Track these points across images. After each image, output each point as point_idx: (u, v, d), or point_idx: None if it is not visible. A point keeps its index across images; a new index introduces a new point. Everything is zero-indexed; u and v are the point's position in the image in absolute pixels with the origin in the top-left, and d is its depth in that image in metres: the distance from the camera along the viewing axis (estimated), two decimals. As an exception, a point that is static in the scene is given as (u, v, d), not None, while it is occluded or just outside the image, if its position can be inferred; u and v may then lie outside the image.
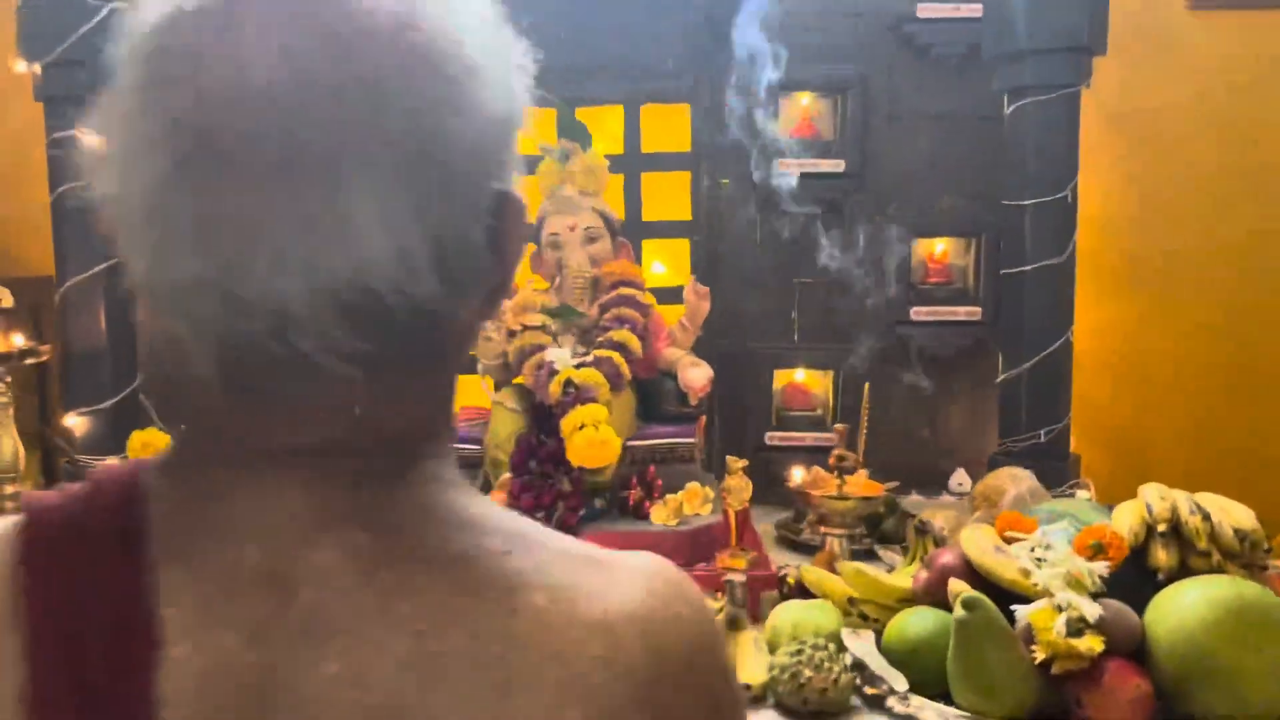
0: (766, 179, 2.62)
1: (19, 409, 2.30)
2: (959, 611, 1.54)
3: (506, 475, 2.04)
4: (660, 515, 2.03)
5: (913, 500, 2.68)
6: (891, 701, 1.58)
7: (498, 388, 2.18)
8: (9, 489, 2.27)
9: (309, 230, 0.49)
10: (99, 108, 0.54)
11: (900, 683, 1.59)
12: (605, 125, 2.72)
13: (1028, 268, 2.34)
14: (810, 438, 2.70)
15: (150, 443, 2.21)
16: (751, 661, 1.67)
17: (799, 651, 1.58)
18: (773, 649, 1.73)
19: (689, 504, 2.05)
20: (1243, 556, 1.65)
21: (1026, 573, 1.60)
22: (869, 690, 1.60)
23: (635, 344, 2.12)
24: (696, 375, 2.19)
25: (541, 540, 0.59)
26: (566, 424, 1.97)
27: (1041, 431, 2.38)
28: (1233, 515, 1.69)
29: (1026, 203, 2.33)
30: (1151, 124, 2.88)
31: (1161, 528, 1.63)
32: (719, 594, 2.00)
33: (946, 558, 1.73)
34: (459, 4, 0.55)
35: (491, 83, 0.55)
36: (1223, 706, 1.47)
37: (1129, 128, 2.85)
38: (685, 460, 2.15)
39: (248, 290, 0.49)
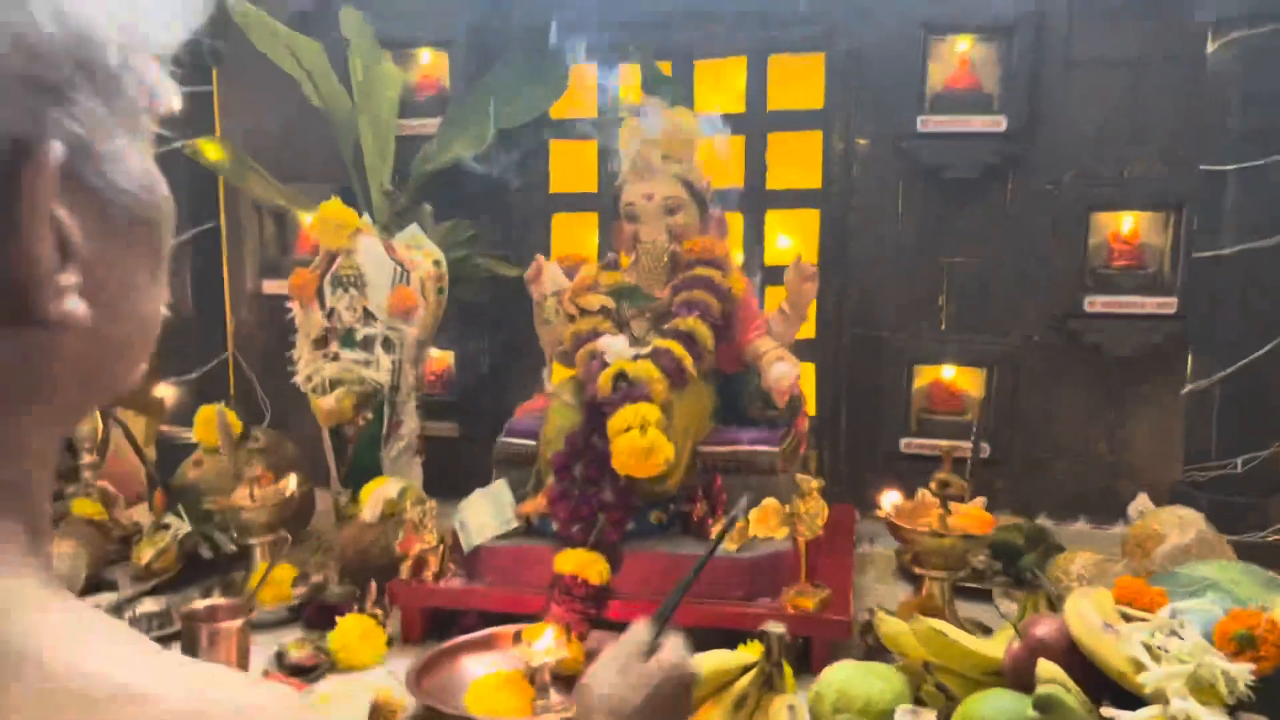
0: (912, 140, 2.22)
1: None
2: (1029, 711, 1.16)
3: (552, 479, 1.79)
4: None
5: (1077, 530, 2.23)
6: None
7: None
8: (87, 458, 2.25)
9: None
10: None
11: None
12: (727, 80, 2.39)
13: (1226, 251, 1.84)
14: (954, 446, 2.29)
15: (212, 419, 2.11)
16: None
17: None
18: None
19: (760, 526, 1.72)
20: None
21: (1139, 665, 1.19)
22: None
23: (704, 333, 1.81)
24: (781, 373, 1.85)
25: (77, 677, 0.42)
26: (613, 425, 1.70)
27: (1238, 460, 1.88)
28: None
29: (1228, 167, 1.83)
30: None
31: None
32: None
33: (1045, 628, 1.34)
34: None
35: None
36: None
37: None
38: (765, 472, 1.82)
39: None
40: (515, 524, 1.81)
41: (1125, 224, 2.19)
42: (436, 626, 1.79)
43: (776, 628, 1.44)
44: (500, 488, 1.88)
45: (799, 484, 1.66)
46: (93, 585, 1.97)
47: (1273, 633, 1.16)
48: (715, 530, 1.73)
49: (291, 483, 1.91)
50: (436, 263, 2.16)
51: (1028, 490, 2.29)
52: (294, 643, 1.71)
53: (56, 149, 0.44)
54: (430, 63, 2.51)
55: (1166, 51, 2.04)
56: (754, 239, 2.39)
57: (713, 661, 1.46)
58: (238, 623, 1.66)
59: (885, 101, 2.26)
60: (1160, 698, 1.15)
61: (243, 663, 1.66)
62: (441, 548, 1.82)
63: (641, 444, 1.65)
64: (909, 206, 2.30)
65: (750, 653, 1.46)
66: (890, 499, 1.72)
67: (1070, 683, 1.24)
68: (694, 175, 1.96)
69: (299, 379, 2.09)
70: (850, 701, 1.38)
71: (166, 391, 2.36)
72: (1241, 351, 1.87)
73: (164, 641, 1.66)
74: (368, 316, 2.07)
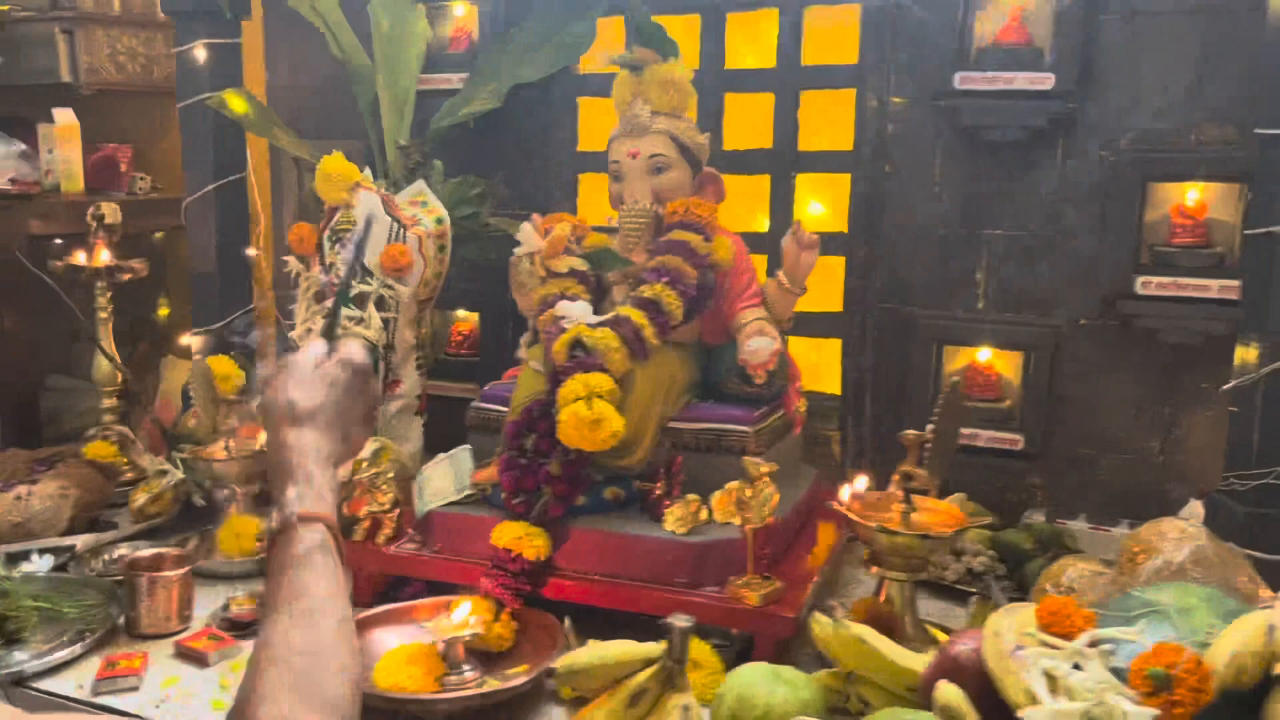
0: (951, 98, 2.02)
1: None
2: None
3: (510, 448, 1.72)
4: (672, 519, 1.62)
5: (1117, 533, 2.01)
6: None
7: (532, 344, 1.85)
8: (107, 402, 2.31)
9: None
10: None
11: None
12: (757, 31, 2.24)
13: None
14: (988, 437, 2.10)
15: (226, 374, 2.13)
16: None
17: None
18: (715, 725, 1.29)
19: (718, 509, 1.60)
20: None
21: (1033, 697, 1.04)
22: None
23: (672, 301, 1.69)
24: (757, 347, 1.72)
25: None
26: (561, 394, 1.61)
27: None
28: None
29: (1287, 132, 1.58)
30: None
31: (1284, 669, 0.99)
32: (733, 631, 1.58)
33: (964, 646, 1.19)
34: None
35: None
36: None
37: None
38: (736, 453, 1.69)
39: None
40: (470, 492, 1.74)
41: (1190, 196, 1.94)
42: (390, 592, 1.76)
43: (681, 620, 1.33)
44: (462, 454, 1.82)
45: (747, 467, 1.53)
46: (88, 525, 2.03)
47: (1194, 674, 0.98)
48: (667, 512, 1.63)
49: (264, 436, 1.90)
50: (439, 220, 2.10)
51: (1066, 489, 2.07)
52: (240, 598, 1.70)
53: None
54: (465, 15, 2.45)
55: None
56: (783, 204, 2.23)
57: (614, 651, 1.37)
58: (179, 573, 1.67)
59: (924, 56, 2.07)
60: (1050, 739, 1.00)
61: (183, 613, 1.67)
62: (397, 511, 1.78)
63: (586, 415, 1.56)
64: (948, 172, 2.10)
65: (660, 647, 1.36)
66: (853, 488, 1.57)
67: (967, 708, 1.09)
68: (686, 133, 1.84)
69: (295, 334, 2.08)
70: (748, 709, 1.26)
71: (193, 341, 2.40)
72: (1292, 345, 1.63)
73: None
74: (364, 273, 2.04)
